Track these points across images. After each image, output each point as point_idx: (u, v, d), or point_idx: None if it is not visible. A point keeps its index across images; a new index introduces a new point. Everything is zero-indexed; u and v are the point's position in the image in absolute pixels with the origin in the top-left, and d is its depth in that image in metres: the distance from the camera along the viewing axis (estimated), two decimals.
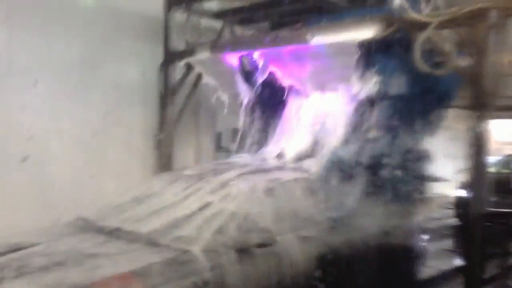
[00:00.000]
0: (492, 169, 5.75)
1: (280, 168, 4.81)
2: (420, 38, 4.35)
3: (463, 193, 4.91)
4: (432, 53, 4.53)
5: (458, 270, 5.18)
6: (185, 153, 7.04)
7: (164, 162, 6.52)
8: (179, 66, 6.53)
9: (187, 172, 4.67)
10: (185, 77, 6.63)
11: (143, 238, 3.53)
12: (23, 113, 5.40)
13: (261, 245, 3.53)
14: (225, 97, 6.40)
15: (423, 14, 4.46)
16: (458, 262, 5.24)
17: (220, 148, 7.35)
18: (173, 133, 6.69)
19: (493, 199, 5.63)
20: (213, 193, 3.94)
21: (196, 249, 3.33)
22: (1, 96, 5.26)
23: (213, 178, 4.21)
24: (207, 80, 6.47)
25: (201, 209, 3.76)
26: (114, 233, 3.70)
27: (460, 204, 5.56)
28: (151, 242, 3.47)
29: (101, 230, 3.79)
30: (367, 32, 4.71)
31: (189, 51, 6.36)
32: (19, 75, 5.37)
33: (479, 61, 4.20)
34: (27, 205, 5.24)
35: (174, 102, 6.65)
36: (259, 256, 3.55)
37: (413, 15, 4.43)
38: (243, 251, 3.48)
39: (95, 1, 6.05)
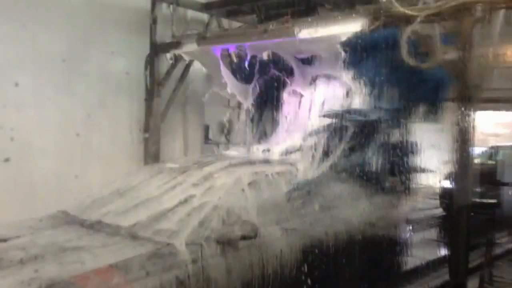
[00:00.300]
0: (477, 160, 5.84)
1: (266, 161, 4.79)
2: (407, 32, 4.38)
3: (448, 184, 4.99)
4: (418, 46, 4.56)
5: (444, 259, 5.27)
6: (173, 146, 7.02)
7: (151, 156, 6.49)
8: (166, 59, 6.48)
9: (170, 165, 4.64)
10: (172, 70, 6.60)
11: (124, 231, 3.50)
12: (4, 113, 5.29)
13: (244, 238, 3.51)
14: (215, 88, 6.36)
15: (409, 7, 4.47)
16: (444, 251, 5.33)
17: (208, 140, 7.34)
18: (160, 126, 6.66)
19: (478, 190, 5.74)
20: (196, 186, 3.91)
21: (178, 242, 3.30)
22: None
23: (196, 171, 4.18)
24: (199, 67, 6.42)
25: (183, 202, 3.73)
26: (95, 226, 3.66)
27: (446, 195, 5.63)
28: (132, 235, 3.44)
29: (82, 223, 3.75)
30: (354, 25, 4.74)
31: (176, 44, 6.34)
32: None
33: (465, 55, 4.25)
34: (11, 205, 5.12)
35: (161, 95, 6.61)
36: (243, 249, 3.55)
37: (400, 8, 4.45)
38: (226, 243, 3.47)
39: None
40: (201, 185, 3.91)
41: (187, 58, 6.43)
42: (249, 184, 4.01)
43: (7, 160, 5.31)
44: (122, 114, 6.48)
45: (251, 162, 4.55)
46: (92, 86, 6.10)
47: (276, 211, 4.03)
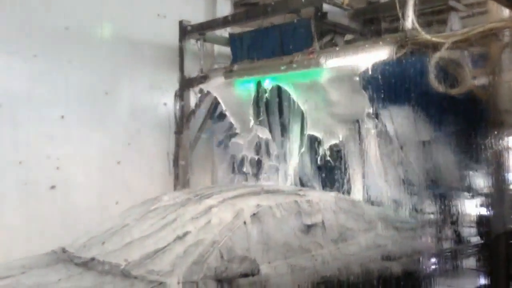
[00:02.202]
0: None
1: (273, 192, 4.50)
2: (434, 59, 4.40)
3: (486, 211, 4.89)
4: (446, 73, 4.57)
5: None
6: (202, 178, 7.09)
7: (181, 186, 6.57)
8: (195, 93, 6.63)
9: (169, 198, 4.40)
10: (200, 104, 6.72)
11: (116, 270, 3.34)
12: (51, 143, 5.64)
13: (244, 275, 3.30)
14: (237, 124, 6.41)
15: (436, 35, 4.50)
16: (483, 281, 5.17)
17: (237, 172, 7.36)
18: (189, 157, 6.75)
19: None
20: (194, 221, 3.72)
21: (173, 281, 3.13)
22: (32, 128, 5.50)
23: (195, 205, 3.97)
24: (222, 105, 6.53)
25: (180, 238, 3.54)
26: (88, 264, 3.52)
27: (484, 222, 5.50)
28: (125, 274, 3.28)
29: (76, 261, 3.63)
30: (381, 53, 4.77)
31: (203, 78, 6.46)
32: (46, 108, 5.63)
33: (494, 80, 4.23)
34: (54, 232, 5.37)
35: (190, 127, 6.74)
36: (243, 287, 3.36)
37: (426, 35, 4.48)
38: (224, 281, 3.29)
39: (113, 34, 6.26)
40: (199, 220, 3.71)
41: (213, 93, 6.53)
42: (252, 216, 3.78)
43: (53, 187, 5.62)
44: (155, 144, 6.68)
45: (255, 193, 4.28)
46: (128, 118, 6.43)
47: (282, 246, 3.80)
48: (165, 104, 6.77)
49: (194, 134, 6.84)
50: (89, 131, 5.98)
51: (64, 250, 3.94)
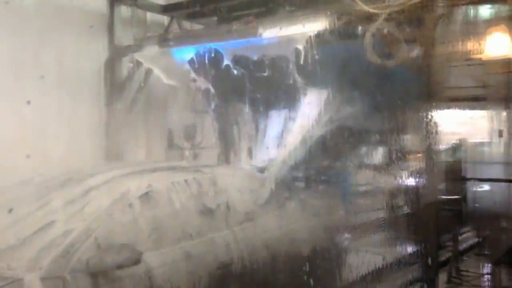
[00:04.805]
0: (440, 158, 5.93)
1: (171, 168, 4.12)
2: (370, 30, 4.39)
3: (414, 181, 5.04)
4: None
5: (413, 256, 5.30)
6: (136, 152, 6.80)
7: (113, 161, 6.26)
8: (126, 62, 6.29)
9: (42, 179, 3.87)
10: (132, 74, 6.40)
11: None
12: None
13: (121, 266, 2.95)
14: (177, 92, 6.22)
15: (373, 5, 4.49)
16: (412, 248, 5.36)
17: (172, 146, 7.16)
18: (121, 131, 6.44)
19: (442, 186, 5.82)
20: (67, 205, 3.27)
21: (32, 277, 2.76)
22: None
23: (73, 187, 3.48)
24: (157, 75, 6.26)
25: (48, 226, 3.10)
26: None
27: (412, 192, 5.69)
28: None
29: None
30: (318, 25, 4.72)
31: (136, 46, 6.16)
32: None
33: (428, 52, 4.29)
34: None
35: (122, 99, 6.40)
36: (123, 280, 3.01)
37: (363, 6, 4.45)
38: (99, 274, 2.93)
39: None
40: (74, 204, 3.27)
41: (147, 64, 6.24)
42: (140, 198, 3.37)
43: None
44: (83, 117, 6.16)
45: (150, 171, 3.88)
46: (49, 90, 5.73)
47: (175, 230, 3.43)
48: (90, 73, 6.22)
49: (127, 105, 6.50)
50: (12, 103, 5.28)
51: None
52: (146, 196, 3.41)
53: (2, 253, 2.95)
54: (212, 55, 5.72)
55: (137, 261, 2.97)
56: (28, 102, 5.33)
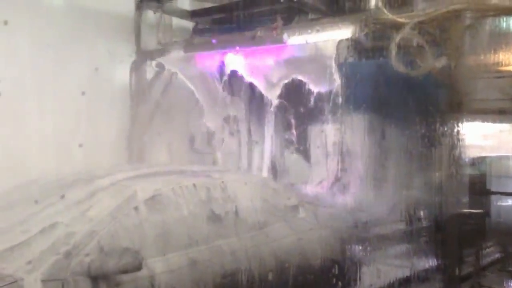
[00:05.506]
0: (464, 171, 5.84)
1: (181, 172, 4.03)
2: (396, 39, 4.36)
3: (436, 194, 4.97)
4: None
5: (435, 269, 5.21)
6: (158, 155, 6.87)
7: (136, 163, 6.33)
8: (152, 66, 6.37)
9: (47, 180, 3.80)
10: (157, 77, 6.48)
11: None
12: None
13: (124, 271, 2.88)
14: (200, 99, 6.25)
15: (399, 15, 4.47)
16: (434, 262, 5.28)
17: (193, 150, 7.20)
18: (145, 134, 6.52)
19: (465, 200, 5.72)
20: (72, 207, 3.23)
21: (31, 279, 2.72)
22: None
23: (79, 188, 3.43)
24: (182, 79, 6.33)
25: (51, 228, 3.05)
26: None
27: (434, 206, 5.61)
28: None
29: None
30: (344, 32, 4.71)
31: (161, 51, 6.24)
32: None
33: (455, 62, 4.24)
34: None
35: (146, 102, 6.49)
36: (126, 284, 2.95)
37: (389, 15, 4.44)
38: (100, 278, 2.87)
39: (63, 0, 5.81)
40: (80, 205, 3.21)
41: (171, 69, 6.30)
42: (147, 201, 3.31)
43: None
44: (108, 118, 6.22)
45: (159, 174, 3.82)
46: (78, 93, 5.69)
47: (182, 236, 3.36)
48: (117, 76, 6.35)
49: (151, 108, 6.59)
50: (33, 107, 5.28)
51: None
52: (152, 200, 3.36)
53: (3, 253, 2.92)
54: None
55: (139, 267, 2.92)
56: (83, 93, 5.41)
